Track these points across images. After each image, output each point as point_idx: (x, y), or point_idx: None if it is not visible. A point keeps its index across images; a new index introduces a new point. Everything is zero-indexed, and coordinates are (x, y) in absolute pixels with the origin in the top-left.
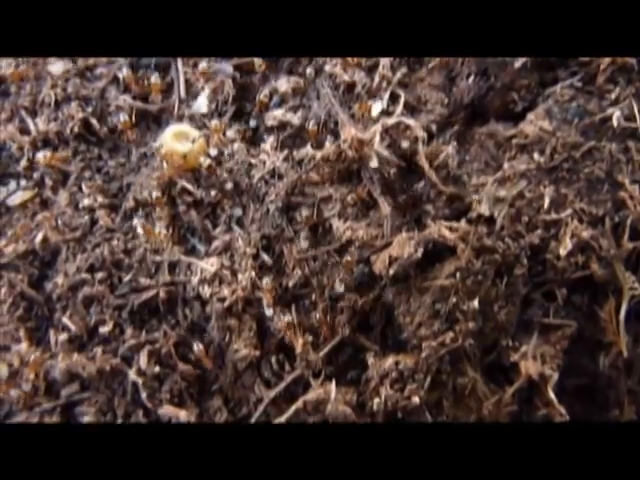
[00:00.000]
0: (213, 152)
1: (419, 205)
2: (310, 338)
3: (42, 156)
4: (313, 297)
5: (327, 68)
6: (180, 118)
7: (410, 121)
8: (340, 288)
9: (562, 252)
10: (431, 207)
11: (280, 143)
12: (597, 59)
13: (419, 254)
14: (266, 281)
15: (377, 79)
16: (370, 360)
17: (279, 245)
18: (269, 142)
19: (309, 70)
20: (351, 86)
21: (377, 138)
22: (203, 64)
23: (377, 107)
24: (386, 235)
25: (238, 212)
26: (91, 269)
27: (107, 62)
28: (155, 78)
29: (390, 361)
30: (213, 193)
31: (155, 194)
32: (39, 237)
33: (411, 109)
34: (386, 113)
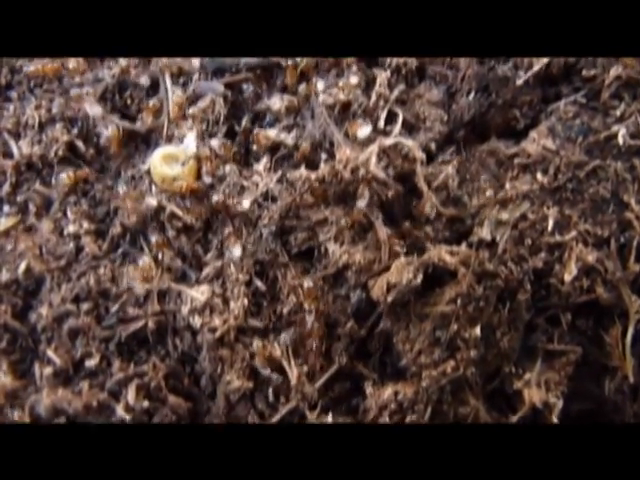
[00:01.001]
0: (204, 174)
1: (418, 227)
2: (305, 368)
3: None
4: (309, 324)
5: (320, 86)
6: (169, 139)
7: (408, 142)
8: (337, 315)
9: (567, 278)
10: (430, 229)
11: (273, 164)
12: (602, 74)
13: (418, 280)
14: (257, 344)
15: (374, 97)
16: (368, 390)
17: (273, 271)
18: (262, 163)
19: (303, 88)
20: (347, 105)
21: (373, 160)
22: (192, 85)
23: (365, 131)
24: (384, 259)
25: (235, 248)
26: (76, 299)
27: (93, 80)
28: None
29: (389, 391)
30: (204, 217)
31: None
32: (22, 267)
33: (409, 127)
34: (383, 133)
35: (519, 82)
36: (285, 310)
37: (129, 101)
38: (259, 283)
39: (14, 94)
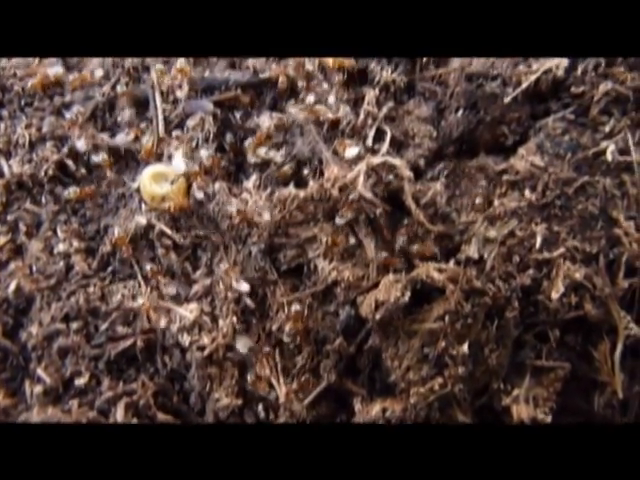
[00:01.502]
0: (193, 192)
1: (406, 244)
2: (294, 385)
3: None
4: (297, 341)
5: (309, 98)
6: (159, 157)
7: (396, 161)
8: (326, 332)
9: (554, 295)
10: (419, 245)
11: (263, 181)
12: (591, 90)
13: (406, 298)
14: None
15: (362, 115)
16: (357, 406)
17: (262, 288)
18: (251, 180)
19: (292, 106)
20: (335, 123)
21: (361, 180)
22: (181, 103)
23: (353, 151)
24: (372, 276)
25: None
26: (66, 318)
27: (84, 98)
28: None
29: (377, 408)
30: (193, 235)
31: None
32: (12, 286)
33: (399, 144)
34: (372, 151)
35: (507, 99)
36: (274, 327)
37: (119, 119)
38: (248, 301)
39: (5, 112)
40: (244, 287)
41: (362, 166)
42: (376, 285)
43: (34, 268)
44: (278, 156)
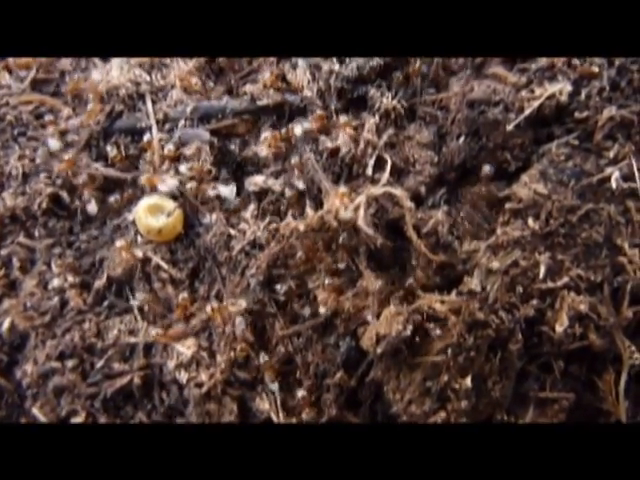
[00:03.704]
0: (190, 224)
1: (408, 272)
2: (294, 420)
3: None
4: (297, 374)
5: (307, 125)
6: (154, 187)
7: (396, 191)
8: (326, 365)
9: (559, 328)
10: (420, 275)
11: (261, 211)
12: (595, 115)
13: (408, 332)
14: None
15: (362, 145)
16: None
17: (261, 321)
18: (249, 210)
19: (291, 133)
20: (335, 151)
21: (361, 213)
22: (177, 132)
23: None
24: (373, 308)
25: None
26: (61, 356)
27: (78, 127)
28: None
29: None
30: (190, 267)
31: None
32: (6, 324)
33: (399, 171)
34: (372, 180)
35: (510, 127)
36: (274, 361)
37: (114, 147)
38: (247, 334)
39: None
40: (241, 323)
41: (362, 198)
42: (377, 316)
43: (28, 304)
44: (277, 185)
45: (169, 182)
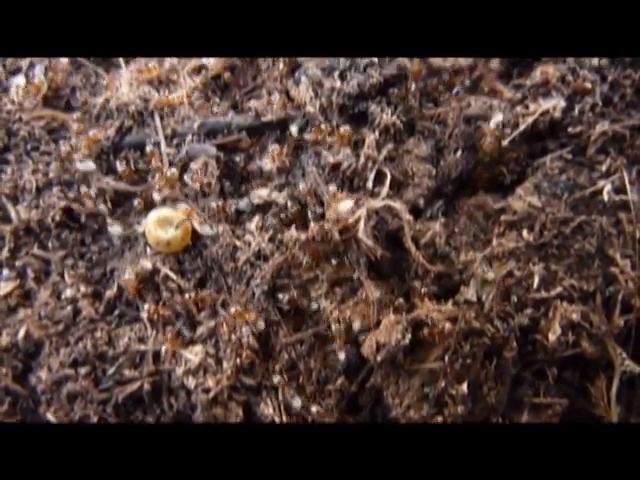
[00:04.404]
0: (197, 236)
1: (406, 282)
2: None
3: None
4: (300, 380)
5: (309, 137)
6: (163, 200)
7: (396, 204)
8: (328, 371)
9: (552, 337)
10: (419, 284)
11: (265, 223)
12: (588, 130)
13: (407, 340)
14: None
15: (362, 159)
16: None
17: (265, 329)
18: (254, 222)
19: (294, 147)
20: (336, 165)
21: (361, 226)
22: (184, 147)
23: (347, 204)
24: (373, 317)
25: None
26: (74, 364)
27: (91, 140)
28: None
29: None
30: (198, 277)
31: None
32: (22, 333)
33: (398, 184)
34: (372, 194)
35: (505, 142)
36: (277, 367)
37: (124, 162)
38: (252, 341)
39: (11, 156)
40: (246, 331)
41: (362, 211)
42: (378, 324)
43: (43, 314)
44: (280, 197)
45: (177, 195)
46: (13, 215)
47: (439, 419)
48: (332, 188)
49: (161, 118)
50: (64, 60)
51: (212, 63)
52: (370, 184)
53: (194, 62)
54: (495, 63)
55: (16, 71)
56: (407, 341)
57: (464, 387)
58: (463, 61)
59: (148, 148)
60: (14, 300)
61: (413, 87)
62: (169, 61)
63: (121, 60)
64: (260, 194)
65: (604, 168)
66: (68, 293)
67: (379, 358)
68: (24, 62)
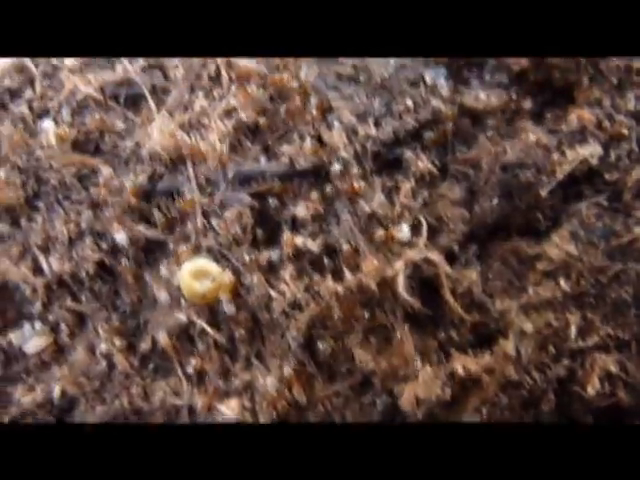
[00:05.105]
0: (233, 289)
1: (442, 331)
2: None
3: None
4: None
5: (343, 184)
6: (197, 248)
7: (434, 256)
8: None
9: (590, 390)
10: (455, 334)
11: (300, 272)
12: (624, 176)
13: (447, 396)
14: None
15: (398, 208)
16: None
17: (301, 381)
18: (288, 271)
19: (328, 194)
20: (372, 214)
21: (401, 281)
22: (218, 195)
23: (404, 231)
24: (410, 367)
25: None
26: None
27: (120, 187)
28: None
29: None
30: (233, 329)
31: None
32: (57, 391)
33: (432, 229)
34: (408, 243)
35: (544, 192)
36: (313, 419)
37: (156, 210)
38: (287, 394)
39: (41, 205)
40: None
41: (401, 264)
42: (415, 376)
43: (77, 371)
44: (315, 246)
45: (211, 244)
46: (45, 267)
47: None
48: (367, 237)
49: (193, 164)
50: (92, 104)
51: (242, 104)
52: (407, 234)
53: (224, 104)
54: (527, 103)
55: (43, 114)
56: (447, 397)
57: None
58: (495, 101)
59: (181, 196)
60: (47, 355)
61: (446, 130)
62: (199, 104)
63: (152, 103)
64: (294, 242)
65: None
66: (102, 348)
67: (419, 414)
68: (51, 104)
